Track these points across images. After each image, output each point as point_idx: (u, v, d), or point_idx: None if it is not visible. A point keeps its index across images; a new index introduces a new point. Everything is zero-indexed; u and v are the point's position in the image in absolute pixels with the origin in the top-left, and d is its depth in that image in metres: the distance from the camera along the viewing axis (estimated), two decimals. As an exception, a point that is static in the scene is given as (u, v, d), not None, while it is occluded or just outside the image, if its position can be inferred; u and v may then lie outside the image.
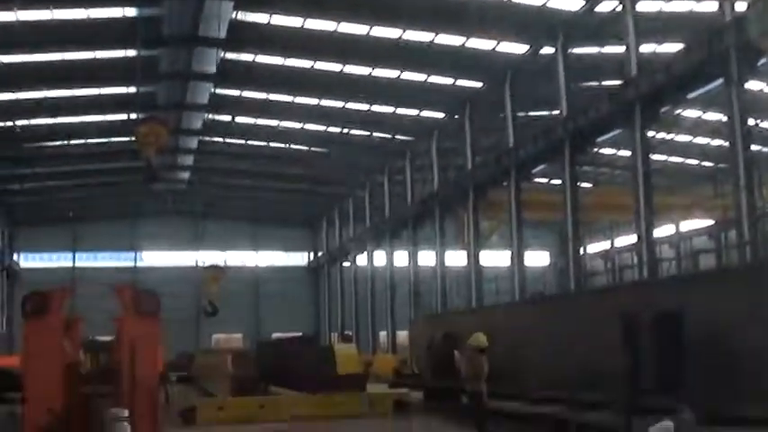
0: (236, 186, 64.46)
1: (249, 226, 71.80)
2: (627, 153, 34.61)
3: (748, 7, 21.45)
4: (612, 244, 56.94)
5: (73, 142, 50.65)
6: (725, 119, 25.72)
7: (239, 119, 48.83)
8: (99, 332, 27.73)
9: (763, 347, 12.95)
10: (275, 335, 59.38)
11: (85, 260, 68.37)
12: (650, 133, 37.68)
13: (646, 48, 29.64)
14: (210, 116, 48.88)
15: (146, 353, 16.36)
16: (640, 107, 27.16)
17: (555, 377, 19.22)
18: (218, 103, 46.22)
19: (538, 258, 59.98)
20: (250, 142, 53.38)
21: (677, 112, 37.81)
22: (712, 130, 40.87)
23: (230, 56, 39.64)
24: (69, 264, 66.81)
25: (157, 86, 43.74)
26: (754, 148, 24.92)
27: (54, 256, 69.17)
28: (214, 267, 47.90)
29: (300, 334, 47.75)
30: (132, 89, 41.43)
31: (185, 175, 62.84)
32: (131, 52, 36.68)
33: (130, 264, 70.64)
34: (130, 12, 34.75)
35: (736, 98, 23.27)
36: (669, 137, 44.02)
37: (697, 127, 42.65)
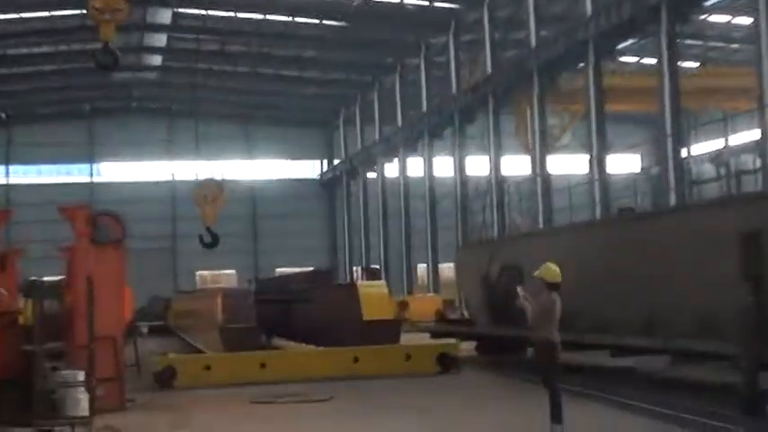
0: (223, 74, 64.11)
1: (242, 127, 71.66)
2: (746, 20, 34.04)
3: None
4: (727, 142, 56.41)
5: (5, 17, 50.55)
6: None
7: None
8: (43, 270, 27.85)
9: None
10: (279, 270, 59.65)
11: (24, 175, 68.86)
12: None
13: None
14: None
15: (107, 296, 16.35)
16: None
17: (651, 320, 19.07)
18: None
19: (626, 163, 59.62)
20: (241, 15, 52.89)
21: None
22: None
23: None
24: (2, 180, 67.38)
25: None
26: None
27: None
28: (211, 183, 47.95)
29: (313, 269, 47.87)
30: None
31: (155, 59, 62.50)
32: None
33: (85, 179, 70.84)
34: None
35: None
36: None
37: None
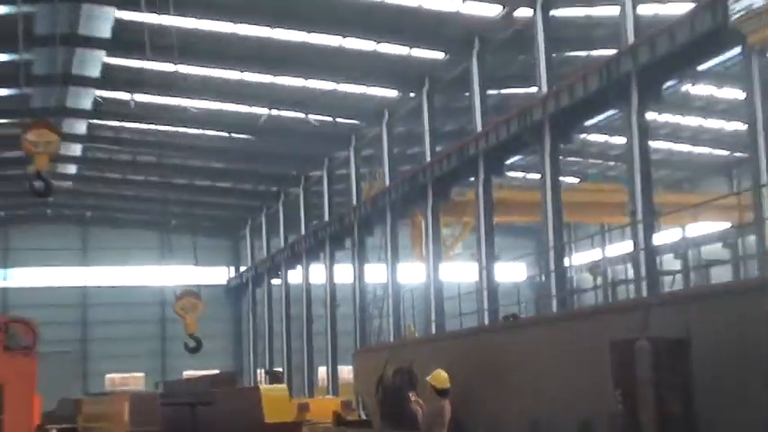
0: (135, 183, 63.63)
1: (154, 234, 70.84)
2: (621, 140, 34.75)
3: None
4: (604, 253, 57.17)
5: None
6: (743, 96, 25.84)
7: (138, 97, 48.08)
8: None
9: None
10: (186, 373, 58.85)
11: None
12: (650, 115, 38.05)
13: (645, 9, 29.80)
14: (103, 93, 48.25)
15: (17, 401, 15.98)
16: (637, 83, 27.23)
17: (537, 424, 19.02)
18: (113, 78, 45.54)
19: (512, 272, 60.03)
20: (153, 127, 52.69)
21: (685, 88, 38.08)
22: (728, 110, 41.27)
23: (127, 16, 39.18)
24: None
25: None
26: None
27: None
28: (188, 294, 47.62)
29: (218, 372, 47.49)
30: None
31: (71, 168, 61.88)
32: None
33: (-5, 284, 69.53)
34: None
35: (758, 70, 23.34)
36: (674, 119, 44.42)
37: (709, 107, 43.06)
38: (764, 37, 17.25)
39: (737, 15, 17.82)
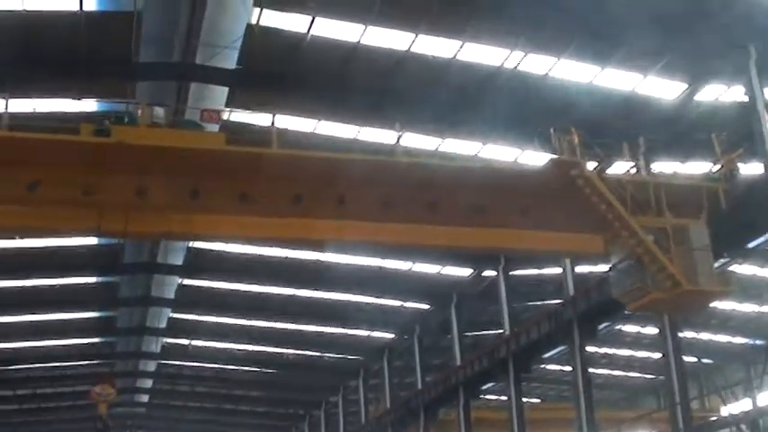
0: (194, 408, 62.74)
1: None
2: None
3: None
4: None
5: (34, 366, 49.60)
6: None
7: (195, 342, 48.30)
8: None
9: None
10: None
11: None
12: (592, 348, 37.95)
13: (581, 269, 30.17)
14: (168, 340, 48.45)
15: None
16: (578, 325, 27.36)
17: None
18: (176, 327, 45.88)
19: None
20: (206, 365, 52.59)
21: (618, 327, 38.05)
22: (651, 343, 41.09)
23: (187, 282, 39.77)
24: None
25: (118, 311, 43.79)
26: (689, 359, 25.01)
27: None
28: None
29: None
30: (94, 314, 41.73)
31: (144, 397, 61.53)
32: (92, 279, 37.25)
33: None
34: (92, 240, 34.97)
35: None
36: (612, 351, 44.20)
37: (637, 341, 42.94)
38: (641, 305, 17.62)
39: (616, 291, 18.28)
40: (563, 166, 16.58)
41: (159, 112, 16.14)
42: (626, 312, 26.80)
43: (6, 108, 15.87)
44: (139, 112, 16.21)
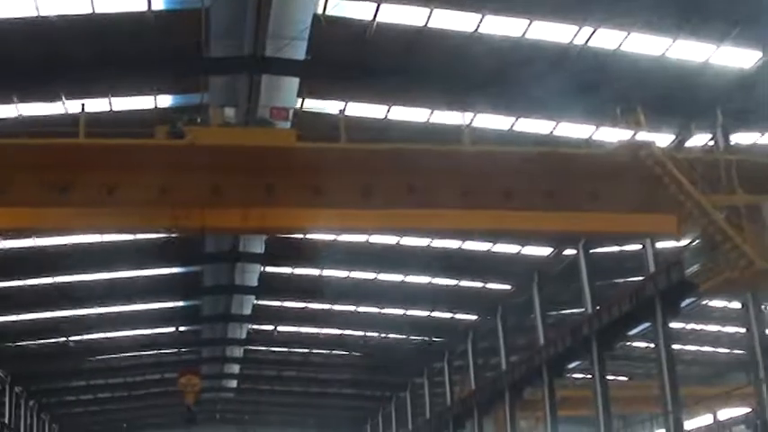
0: (281, 392, 64.08)
1: (296, 430, 70.92)
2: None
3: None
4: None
5: (124, 355, 51.29)
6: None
7: (281, 328, 49.25)
8: None
9: None
10: None
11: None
12: (678, 325, 37.55)
13: (662, 245, 29.96)
14: (254, 326, 49.50)
15: None
16: (660, 302, 27.19)
17: None
18: (261, 314, 46.85)
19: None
20: (293, 350, 53.57)
21: (704, 302, 37.64)
22: (738, 318, 40.56)
23: (269, 269, 40.61)
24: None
25: (203, 300, 44.93)
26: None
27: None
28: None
29: None
30: (180, 303, 43.03)
31: (232, 383, 62.98)
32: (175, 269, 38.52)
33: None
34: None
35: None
36: (699, 327, 43.74)
37: (725, 316, 42.40)
38: (714, 285, 17.48)
39: (689, 271, 18.22)
40: (632, 148, 16.64)
41: (230, 112, 16.71)
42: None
43: (83, 111, 16.68)
44: (211, 112, 16.79)
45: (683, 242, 18.97)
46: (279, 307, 45.69)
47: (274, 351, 54.10)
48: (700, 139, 25.47)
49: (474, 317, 44.87)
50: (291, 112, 20.50)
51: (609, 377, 33.04)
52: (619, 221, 17.75)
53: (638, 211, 17.60)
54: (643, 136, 16.97)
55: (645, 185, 17.00)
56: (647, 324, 29.44)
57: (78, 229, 21.34)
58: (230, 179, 16.52)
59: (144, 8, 21.91)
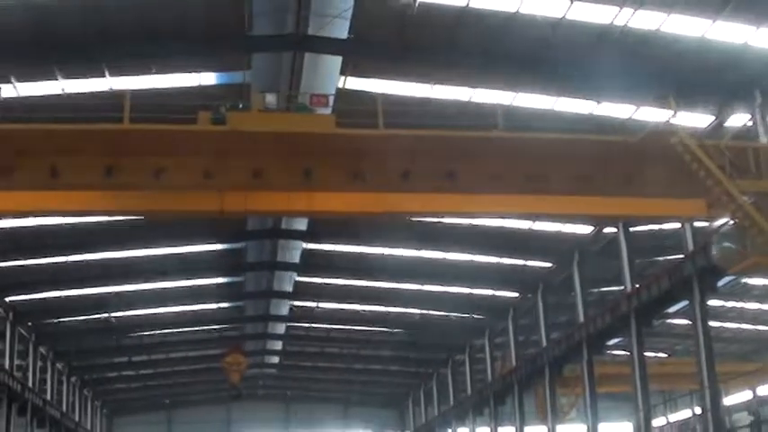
0: (323, 369, 65.16)
1: (338, 406, 72.06)
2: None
3: None
4: (693, 413, 55.44)
5: (166, 331, 52.36)
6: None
7: (323, 305, 50.01)
8: None
9: None
10: None
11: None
12: (718, 303, 37.57)
13: (700, 223, 30.15)
14: (296, 303, 50.29)
15: None
16: (698, 280, 27.41)
17: None
18: (303, 291, 47.66)
19: (620, 430, 58.52)
20: (334, 326, 54.37)
21: (743, 281, 37.74)
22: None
23: (311, 246, 41.29)
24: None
25: (245, 276, 45.73)
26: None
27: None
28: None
29: None
30: (222, 279, 43.80)
31: (275, 359, 63.93)
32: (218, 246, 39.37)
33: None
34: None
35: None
36: (739, 305, 43.84)
37: (766, 294, 42.49)
38: (741, 269, 17.77)
39: (717, 255, 18.55)
40: (662, 134, 17.02)
41: (271, 98, 17.33)
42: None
43: (127, 95, 17.33)
44: (252, 98, 17.41)
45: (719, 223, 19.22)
46: (320, 284, 46.42)
47: (316, 327, 54.82)
48: (738, 120, 25.60)
49: (515, 294, 45.28)
50: (331, 99, 21.01)
51: (648, 354, 33.31)
52: (651, 206, 18.16)
53: (669, 196, 17.98)
54: (676, 120, 17.28)
55: (676, 170, 17.36)
56: (684, 302, 29.75)
57: (126, 212, 22.06)
58: (271, 163, 17.18)
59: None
